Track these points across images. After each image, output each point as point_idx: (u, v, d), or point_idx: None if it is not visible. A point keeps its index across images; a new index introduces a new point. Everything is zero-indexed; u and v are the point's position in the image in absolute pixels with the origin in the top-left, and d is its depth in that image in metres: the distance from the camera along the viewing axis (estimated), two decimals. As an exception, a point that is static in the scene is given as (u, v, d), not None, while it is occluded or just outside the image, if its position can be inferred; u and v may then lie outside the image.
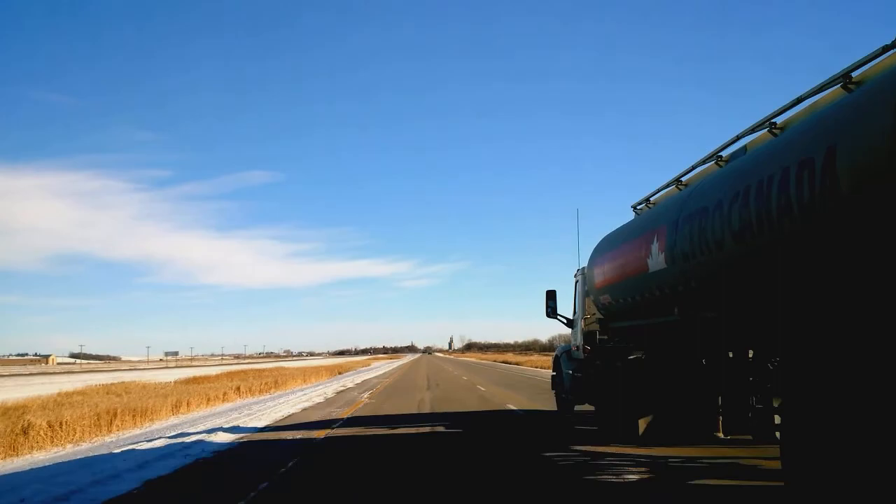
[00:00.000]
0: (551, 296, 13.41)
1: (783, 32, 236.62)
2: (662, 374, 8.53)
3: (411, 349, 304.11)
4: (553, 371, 14.71)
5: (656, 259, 7.64)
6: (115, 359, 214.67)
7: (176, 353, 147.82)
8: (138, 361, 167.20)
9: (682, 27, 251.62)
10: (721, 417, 7.32)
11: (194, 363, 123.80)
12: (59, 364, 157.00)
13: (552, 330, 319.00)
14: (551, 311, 13.38)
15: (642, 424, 8.86)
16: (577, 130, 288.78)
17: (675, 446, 8.71)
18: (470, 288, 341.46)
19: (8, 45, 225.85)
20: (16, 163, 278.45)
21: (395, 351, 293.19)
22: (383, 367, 64.73)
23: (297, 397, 21.21)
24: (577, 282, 13.11)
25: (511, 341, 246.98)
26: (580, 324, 12.52)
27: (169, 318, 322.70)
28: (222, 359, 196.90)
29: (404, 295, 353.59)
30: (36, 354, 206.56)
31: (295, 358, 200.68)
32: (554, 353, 15.37)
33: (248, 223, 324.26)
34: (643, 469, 7.64)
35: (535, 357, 77.14)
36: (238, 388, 22.97)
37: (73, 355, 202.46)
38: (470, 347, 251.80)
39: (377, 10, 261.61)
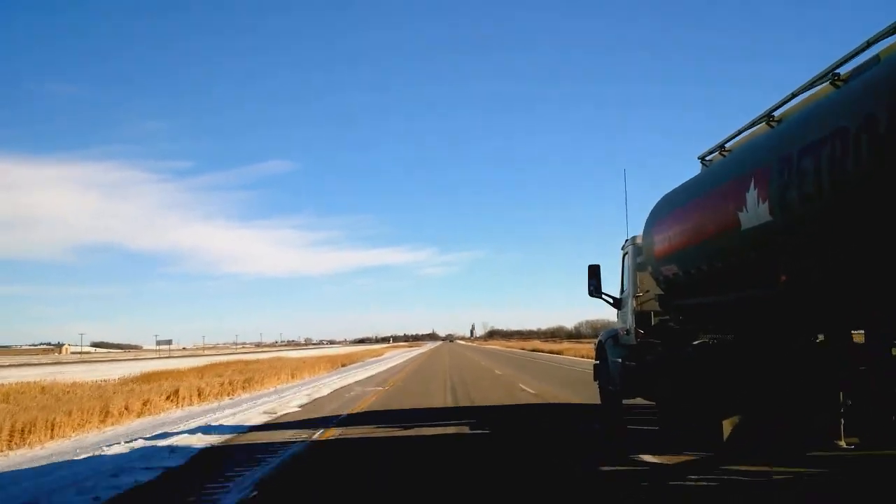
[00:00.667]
0: (594, 272, 11.80)
1: None
2: (755, 360, 6.99)
3: (432, 337, 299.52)
4: (596, 359, 12.89)
5: (755, 211, 6.00)
6: (136, 347, 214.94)
7: (169, 342, 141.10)
8: (158, 350, 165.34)
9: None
10: (843, 419, 6.47)
11: (204, 352, 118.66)
12: (72, 353, 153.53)
13: (577, 316, 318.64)
14: (594, 290, 11.79)
15: (727, 427, 6.87)
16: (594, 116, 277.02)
17: (774, 457, 6.54)
18: (490, 276, 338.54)
19: (28, 37, 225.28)
20: (37, 154, 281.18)
21: (415, 339, 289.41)
22: (398, 356, 56.81)
23: (261, 408, 14.38)
24: (624, 254, 11.35)
25: (534, 328, 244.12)
26: (631, 303, 10.77)
27: (190, 308, 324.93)
28: (238, 347, 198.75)
29: (424, 283, 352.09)
30: (48, 344, 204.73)
31: (313, 346, 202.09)
32: (597, 339, 13.53)
33: (268, 213, 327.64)
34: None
35: (567, 344, 69.91)
36: (177, 393, 15.95)
37: (94, 344, 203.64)
38: (492, 335, 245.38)
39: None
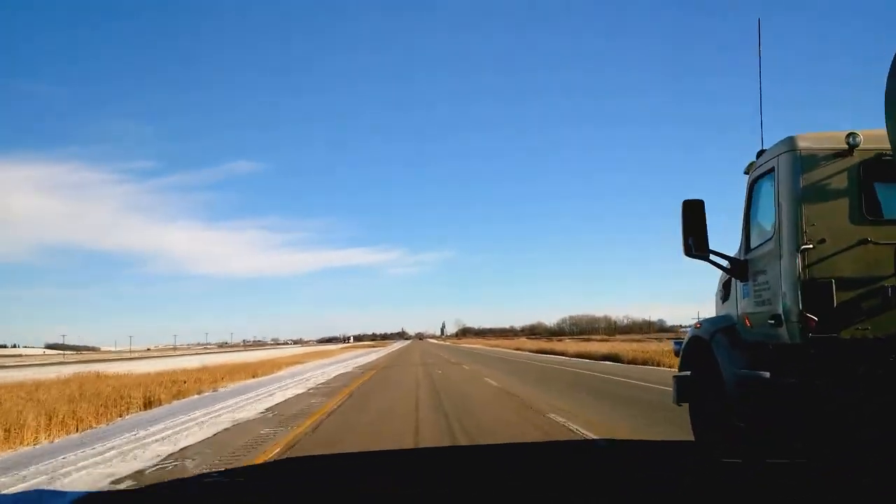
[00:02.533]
0: (694, 211, 6.53)
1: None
2: None
3: (402, 335, 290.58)
4: (683, 369, 7.66)
5: None
6: (93, 349, 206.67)
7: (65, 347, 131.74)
8: (118, 352, 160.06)
9: None
10: None
11: (150, 354, 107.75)
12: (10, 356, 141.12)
13: (557, 313, 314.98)
14: (697, 243, 6.53)
15: None
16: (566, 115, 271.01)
17: None
18: (460, 275, 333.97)
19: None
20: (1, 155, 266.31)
21: (384, 338, 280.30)
22: (354, 360, 44.57)
23: None
24: (759, 179, 6.39)
25: (507, 326, 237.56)
26: (788, 264, 5.66)
27: (162, 309, 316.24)
28: (201, 347, 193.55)
29: (393, 283, 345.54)
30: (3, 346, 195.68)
31: (279, 346, 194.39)
32: (685, 336, 8.05)
33: (235, 214, 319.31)
34: None
35: (571, 343, 61.11)
36: None
37: (49, 346, 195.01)
38: (465, 333, 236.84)
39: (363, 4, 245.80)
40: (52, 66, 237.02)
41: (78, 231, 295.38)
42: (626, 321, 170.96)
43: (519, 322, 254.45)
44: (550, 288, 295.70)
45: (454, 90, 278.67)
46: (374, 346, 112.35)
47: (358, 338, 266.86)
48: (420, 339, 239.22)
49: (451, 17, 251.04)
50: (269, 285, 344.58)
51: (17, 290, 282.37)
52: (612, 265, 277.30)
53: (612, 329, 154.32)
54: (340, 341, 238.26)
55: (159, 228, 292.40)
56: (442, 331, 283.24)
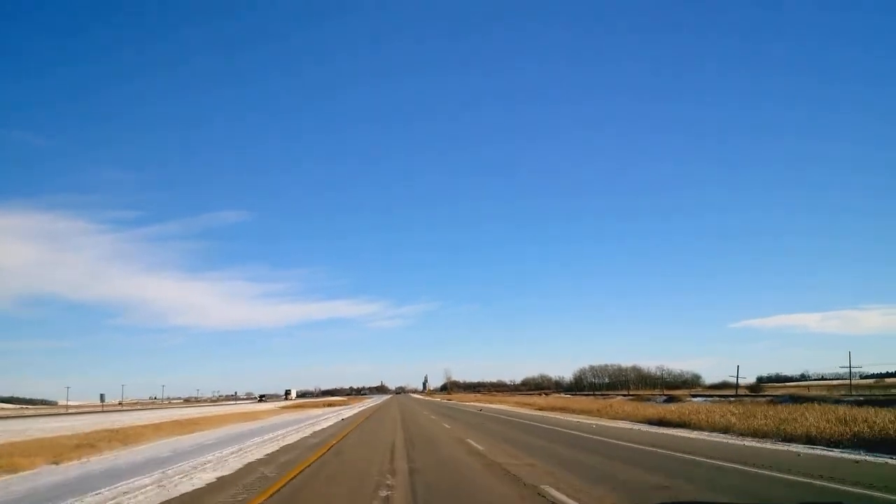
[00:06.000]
0: None
1: None
2: None
3: (381, 390, 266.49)
4: None
5: None
6: (51, 403, 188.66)
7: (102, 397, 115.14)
8: (79, 405, 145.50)
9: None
10: None
11: (104, 409, 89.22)
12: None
13: (556, 367, 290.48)
14: None
15: None
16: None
17: None
18: (444, 328, 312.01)
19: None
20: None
21: (359, 393, 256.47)
22: (262, 439, 22.36)
23: None
24: None
25: (495, 380, 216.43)
26: None
27: (134, 361, 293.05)
28: (164, 402, 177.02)
29: (375, 335, 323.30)
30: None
31: (241, 401, 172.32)
32: None
33: (219, 264, 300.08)
34: None
35: (622, 402, 43.18)
36: None
37: (2, 399, 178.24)
38: (452, 387, 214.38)
39: (342, 40, 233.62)
40: (27, 112, 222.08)
41: (46, 280, 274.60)
42: (658, 372, 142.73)
43: (511, 375, 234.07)
44: (549, 339, 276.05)
45: (443, 129, 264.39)
46: (341, 404, 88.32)
47: (338, 392, 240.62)
48: (400, 393, 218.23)
49: (442, 55, 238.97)
50: (250, 336, 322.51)
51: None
52: (614, 314, 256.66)
53: (646, 382, 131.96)
54: (314, 395, 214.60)
55: (139, 278, 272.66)
56: (424, 385, 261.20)
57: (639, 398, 56.70)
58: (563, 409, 37.55)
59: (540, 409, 39.58)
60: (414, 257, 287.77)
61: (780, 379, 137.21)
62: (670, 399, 52.91)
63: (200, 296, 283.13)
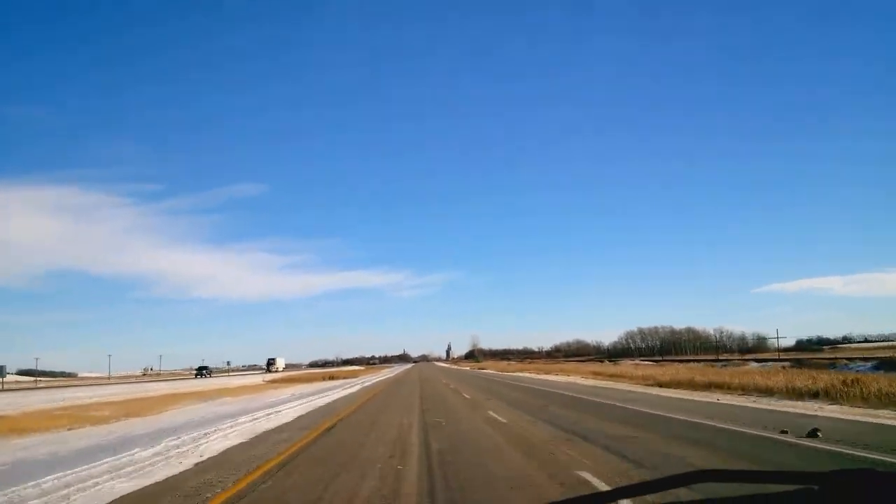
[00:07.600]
0: None
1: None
2: None
3: (403, 358, 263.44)
4: None
5: None
6: (71, 375, 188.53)
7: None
8: (98, 378, 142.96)
9: None
10: None
11: (110, 381, 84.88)
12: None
13: (590, 333, 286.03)
14: None
15: None
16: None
17: None
18: (467, 297, 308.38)
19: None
20: (2, 179, 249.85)
21: (383, 361, 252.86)
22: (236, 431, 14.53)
23: None
24: None
25: (522, 347, 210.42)
26: None
27: (158, 332, 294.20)
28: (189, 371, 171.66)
29: (398, 305, 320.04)
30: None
31: (244, 373, 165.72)
32: None
33: (239, 236, 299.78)
34: None
35: (706, 372, 34.65)
36: None
37: (21, 372, 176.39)
38: (473, 355, 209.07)
39: (364, 16, 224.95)
40: (49, 88, 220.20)
41: (69, 255, 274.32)
42: (717, 335, 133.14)
43: (539, 342, 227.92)
44: (576, 305, 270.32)
45: (458, 101, 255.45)
46: (349, 376, 76.20)
47: (348, 361, 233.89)
48: (425, 361, 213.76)
49: (467, 38, 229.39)
50: (271, 307, 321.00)
51: (20, 315, 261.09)
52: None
53: (703, 346, 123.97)
54: (335, 365, 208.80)
55: (162, 251, 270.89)
56: (448, 353, 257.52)
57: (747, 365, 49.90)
58: (689, 385, 26.58)
59: (660, 386, 28.48)
60: (435, 223, 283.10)
61: (822, 342, 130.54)
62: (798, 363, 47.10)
63: (223, 266, 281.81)
